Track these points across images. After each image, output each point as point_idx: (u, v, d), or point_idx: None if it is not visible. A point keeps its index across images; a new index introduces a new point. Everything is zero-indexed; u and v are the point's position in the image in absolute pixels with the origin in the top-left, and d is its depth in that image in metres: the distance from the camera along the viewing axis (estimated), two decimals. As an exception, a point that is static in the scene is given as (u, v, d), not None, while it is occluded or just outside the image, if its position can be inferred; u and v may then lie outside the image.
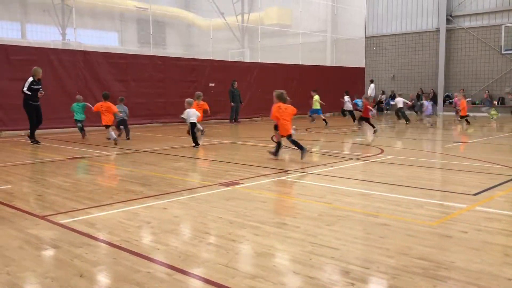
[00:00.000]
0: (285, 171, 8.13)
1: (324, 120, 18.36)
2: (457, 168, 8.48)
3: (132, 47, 23.12)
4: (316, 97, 18.80)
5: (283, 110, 9.24)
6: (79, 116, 14.19)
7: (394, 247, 4.13)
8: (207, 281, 3.44)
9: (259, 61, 23.95)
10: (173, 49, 25.37)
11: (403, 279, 3.44)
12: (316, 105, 18.71)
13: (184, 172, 8.20)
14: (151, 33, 20.95)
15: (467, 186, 6.83)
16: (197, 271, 3.64)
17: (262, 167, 8.64)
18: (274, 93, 9.37)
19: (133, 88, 18.49)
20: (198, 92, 14.78)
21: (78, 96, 14.62)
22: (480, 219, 5.01)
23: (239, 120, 21.27)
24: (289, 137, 9.29)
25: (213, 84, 20.95)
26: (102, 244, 4.30)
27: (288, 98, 9.40)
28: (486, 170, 8.32)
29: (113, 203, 5.81)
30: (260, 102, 21.72)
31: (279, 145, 9.51)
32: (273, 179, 7.46)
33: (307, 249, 4.09)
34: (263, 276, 3.49)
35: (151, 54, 20.17)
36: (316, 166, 8.75)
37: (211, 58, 22.13)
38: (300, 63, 25.09)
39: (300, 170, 8.25)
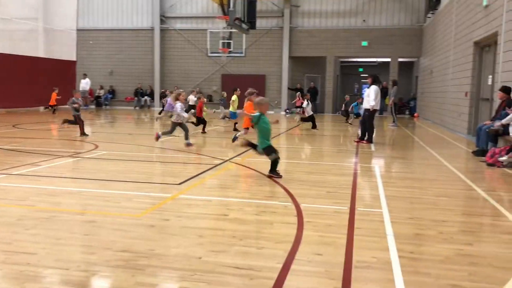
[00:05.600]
0: (-19, 174, 7.12)
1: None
2: (169, 161, 9.00)
3: None
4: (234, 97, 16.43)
5: None
6: None
7: (98, 243, 4.07)
8: None
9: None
10: None
11: (104, 274, 3.43)
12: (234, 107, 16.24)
13: None
14: None
15: (175, 176, 7.29)
16: None
17: (-49, 171, 7.37)
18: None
19: None
20: None
21: None
22: (182, 206, 5.42)
23: None
24: None
25: None
26: None
27: None
28: (193, 160, 9.08)
29: None
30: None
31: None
32: (-36, 184, 6.43)
33: (-2, 259, 3.66)
34: None
35: None
36: (20, 166, 7.96)
37: None
38: (8, 53, 22.36)
39: (0, 172, 7.37)
